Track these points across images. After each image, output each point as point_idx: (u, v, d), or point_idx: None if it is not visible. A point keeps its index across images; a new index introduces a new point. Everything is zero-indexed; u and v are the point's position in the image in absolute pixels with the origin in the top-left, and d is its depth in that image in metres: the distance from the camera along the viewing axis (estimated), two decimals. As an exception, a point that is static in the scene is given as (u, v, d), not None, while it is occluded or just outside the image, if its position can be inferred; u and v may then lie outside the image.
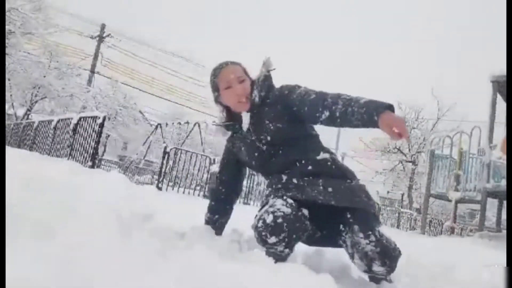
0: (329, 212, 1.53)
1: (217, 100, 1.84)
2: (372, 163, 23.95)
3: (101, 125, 7.44)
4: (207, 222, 1.89)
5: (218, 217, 1.90)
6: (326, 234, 1.61)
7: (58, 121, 9.18)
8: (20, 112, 17.02)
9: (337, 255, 1.67)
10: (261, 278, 1.00)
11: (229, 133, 1.89)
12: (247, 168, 1.96)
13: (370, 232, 1.42)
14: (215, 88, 1.79)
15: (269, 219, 1.39)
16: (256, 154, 1.73)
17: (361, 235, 1.43)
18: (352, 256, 1.46)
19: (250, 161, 1.78)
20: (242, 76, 1.75)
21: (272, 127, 1.67)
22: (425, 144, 20.63)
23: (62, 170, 1.76)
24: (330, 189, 1.52)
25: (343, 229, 1.52)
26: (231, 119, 1.83)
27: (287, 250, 1.40)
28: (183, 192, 8.72)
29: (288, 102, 1.67)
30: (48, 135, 9.51)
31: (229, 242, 1.57)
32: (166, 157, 8.88)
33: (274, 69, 1.77)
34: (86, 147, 7.71)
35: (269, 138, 1.68)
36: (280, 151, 1.68)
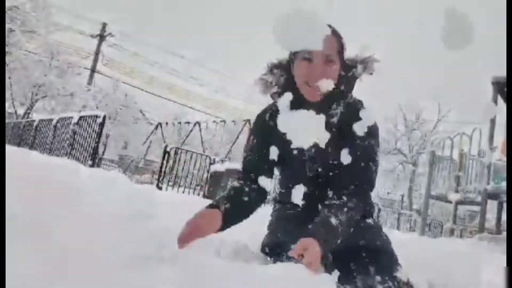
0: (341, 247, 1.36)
1: (287, 64, 1.47)
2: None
3: (102, 124, 7.46)
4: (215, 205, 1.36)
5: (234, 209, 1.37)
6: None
7: (58, 120, 9.20)
8: (21, 110, 17.02)
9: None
10: (260, 278, 1.00)
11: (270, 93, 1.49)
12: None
13: (387, 278, 1.27)
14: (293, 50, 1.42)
15: None
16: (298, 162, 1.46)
17: (378, 278, 1.27)
18: None
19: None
20: (333, 55, 1.37)
21: (330, 155, 1.39)
22: (425, 145, 20.65)
23: (62, 169, 1.76)
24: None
25: (354, 268, 1.34)
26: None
27: None
28: (183, 192, 8.72)
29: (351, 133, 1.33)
30: (49, 134, 9.52)
31: (228, 242, 1.57)
32: (166, 157, 8.89)
33: (371, 73, 1.43)
34: (86, 146, 7.72)
35: (316, 165, 1.43)
36: (319, 180, 1.44)
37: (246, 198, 1.41)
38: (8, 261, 0.72)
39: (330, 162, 1.41)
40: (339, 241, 1.23)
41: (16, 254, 0.75)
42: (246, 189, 1.42)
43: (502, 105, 8.31)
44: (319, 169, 1.44)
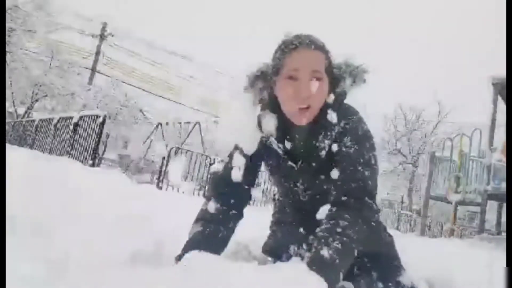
0: None
1: (268, 82, 1.30)
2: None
3: (102, 124, 7.45)
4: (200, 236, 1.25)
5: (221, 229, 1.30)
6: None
7: (59, 120, 9.20)
8: (21, 110, 17.01)
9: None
10: (260, 277, 1.00)
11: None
12: None
13: (390, 284, 1.25)
14: (276, 68, 1.25)
15: None
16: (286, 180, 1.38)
17: (380, 285, 1.26)
18: None
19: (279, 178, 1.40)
20: (321, 72, 1.21)
21: (322, 181, 1.29)
22: (425, 146, 20.65)
23: (62, 169, 1.77)
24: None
25: (357, 272, 1.30)
26: (277, 121, 1.29)
27: None
28: (183, 192, 8.71)
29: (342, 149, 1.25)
30: (49, 133, 9.52)
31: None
32: (166, 157, 8.88)
33: (364, 81, 1.32)
34: (86, 146, 7.72)
35: (309, 192, 1.34)
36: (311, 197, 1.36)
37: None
38: (8, 260, 0.72)
39: (322, 185, 1.31)
40: (345, 265, 1.11)
41: (16, 253, 0.75)
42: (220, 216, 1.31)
43: (502, 106, 8.31)
44: (308, 191, 1.35)
